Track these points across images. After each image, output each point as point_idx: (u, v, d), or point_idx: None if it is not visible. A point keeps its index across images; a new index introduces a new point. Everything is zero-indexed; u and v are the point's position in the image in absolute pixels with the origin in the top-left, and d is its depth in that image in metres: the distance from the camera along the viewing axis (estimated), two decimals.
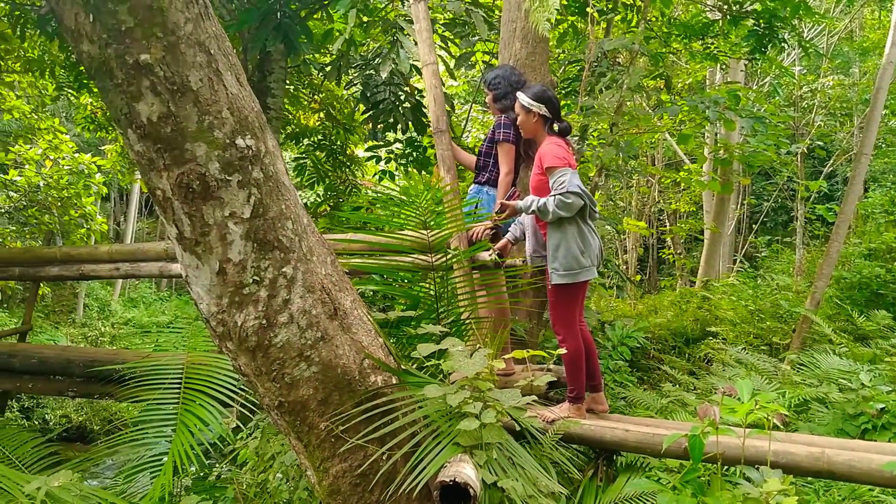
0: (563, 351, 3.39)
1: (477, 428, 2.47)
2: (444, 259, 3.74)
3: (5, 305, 16.34)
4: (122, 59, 2.21)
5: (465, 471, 2.21)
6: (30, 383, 5.63)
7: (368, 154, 10.43)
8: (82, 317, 18.30)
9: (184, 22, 2.25)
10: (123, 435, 4.91)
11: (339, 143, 12.49)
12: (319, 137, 12.35)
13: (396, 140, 9.98)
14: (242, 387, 4.51)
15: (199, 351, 4.74)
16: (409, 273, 3.98)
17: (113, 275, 5.23)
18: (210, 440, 4.47)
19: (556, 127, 3.88)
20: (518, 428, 3.34)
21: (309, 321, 2.63)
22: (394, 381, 2.88)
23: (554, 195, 3.61)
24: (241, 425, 4.45)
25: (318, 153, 12.09)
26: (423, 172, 10.28)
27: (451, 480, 2.15)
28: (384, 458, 2.73)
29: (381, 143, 9.95)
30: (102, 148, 14.53)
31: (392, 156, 10.08)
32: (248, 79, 2.63)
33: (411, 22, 6.18)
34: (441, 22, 8.09)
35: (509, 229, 4.25)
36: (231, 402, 4.47)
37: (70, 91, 11.86)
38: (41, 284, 8.22)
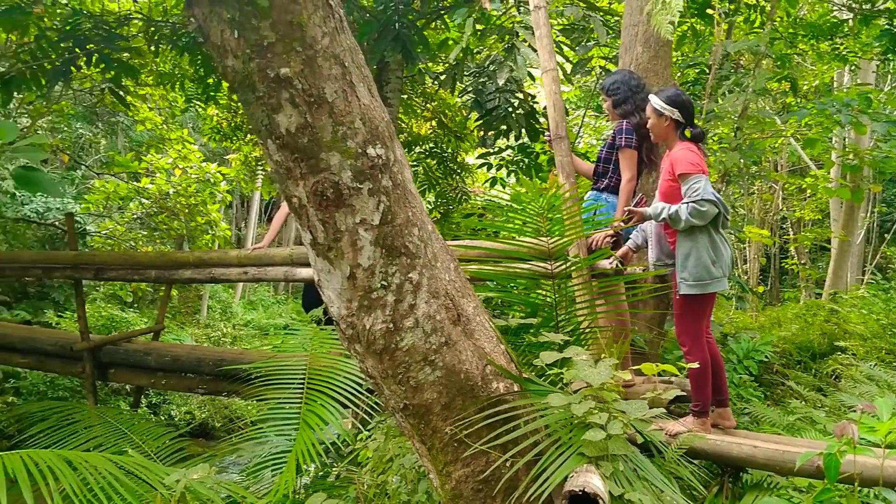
0: (694, 365, 3.29)
1: (603, 439, 2.44)
2: (565, 267, 3.71)
3: (136, 306, 17.35)
4: (264, 72, 2.31)
5: (593, 481, 2.18)
6: (163, 380, 5.99)
7: (479, 161, 10.52)
8: (206, 318, 19.23)
9: (321, 36, 2.34)
10: (246, 433, 5.14)
11: (450, 150, 12.63)
12: (431, 145, 12.54)
13: (508, 147, 10.00)
14: (361, 389, 4.62)
15: (319, 353, 4.89)
16: (525, 280, 3.96)
17: (241, 278, 5.48)
18: (330, 440, 4.60)
19: (688, 132, 3.78)
20: (640, 440, 3.27)
21: (433, 326, 2.66)
22: (515, 389, 2.88)
23: (687, 202, 3.52)
24: (360, 427, 4.55)
25: (429, 161, 12.27)
26: (535, 179, 10.27)
27: (580, 490, 2.13)
28: (507, 465, 2.73)
29: (493, 150, 9.99)
30: (227, 157, 15.24)
31: (503, 163, 10.11)
32: None
33: (527, 28, 6.19)
34: (556, 28, 8.05)
35: (630, 236, 4.17)
36: (349, 404, 4.59)
37: (198, 103, 12.50)
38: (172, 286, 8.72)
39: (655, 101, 3.78)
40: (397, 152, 2.62)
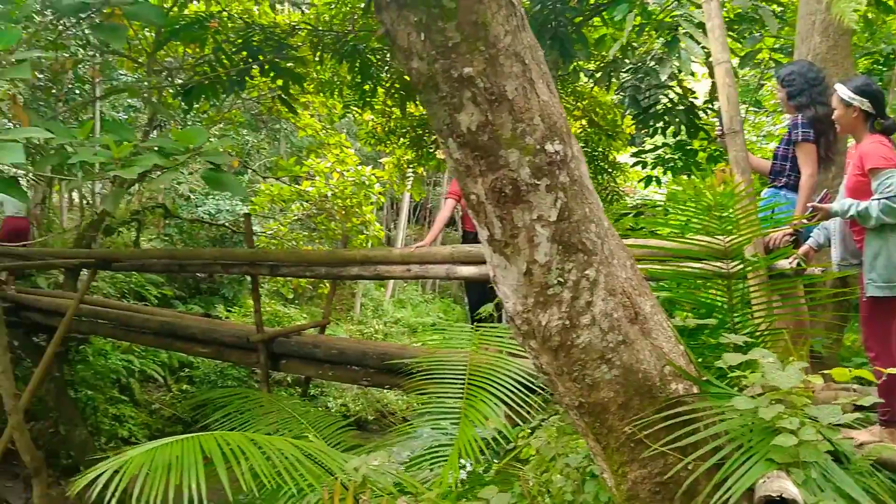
0: (893, 370, 3.08)
1: (794, 445, 2.32)
2: (742, 266, 3.57)
3: (296, 302, 18.30)
4: (448, 73, 2.38)
5: (789, 487, 2.08)
6: (330, 371, 6.28)
7: (634, 160, 10.31)
8: (359, 315, 19.99)
9: (503, 34, 2.37)
10: (407, 426, 5.27)
11: (601, 149, 12.45)
12: (581, 144, 12.36)
13: (665, 144, 9.75)
14: (520, 388, 4.65)
15: (481, 351, 4.95)
16: (697, 280, 3.83)
17: (405, 276, 5.67)
18: (490, 437, 4.66)
19: (878, 124, 3.53)
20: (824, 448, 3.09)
21: (610, 324, 2.63)
22: (694, 391, 2.79)
23: (879, 198, 3.30)
24: (521, 424, 4.57)
25: None
26: (693, 177, 9.96)
27: (777, 496, 2.04)
28: (686, 468, 2.66)
29: (649, 148, 9.77)
30: (381, 161, 15.76)
31: (659, 161, 9.87)
32: None
33: (689, 21, 5.99)
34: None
35: (811, 235, 3.96)
36: (511, 402, 4.63)
37: (355, 109, 12.99)
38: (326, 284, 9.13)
39: (843, 90, 3.55)
40: (574, 148, 2.62)
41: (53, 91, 11.97)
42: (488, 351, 4.98)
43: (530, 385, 4.57)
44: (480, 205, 2.57)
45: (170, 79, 9.89)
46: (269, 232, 14.86)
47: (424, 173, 15.40)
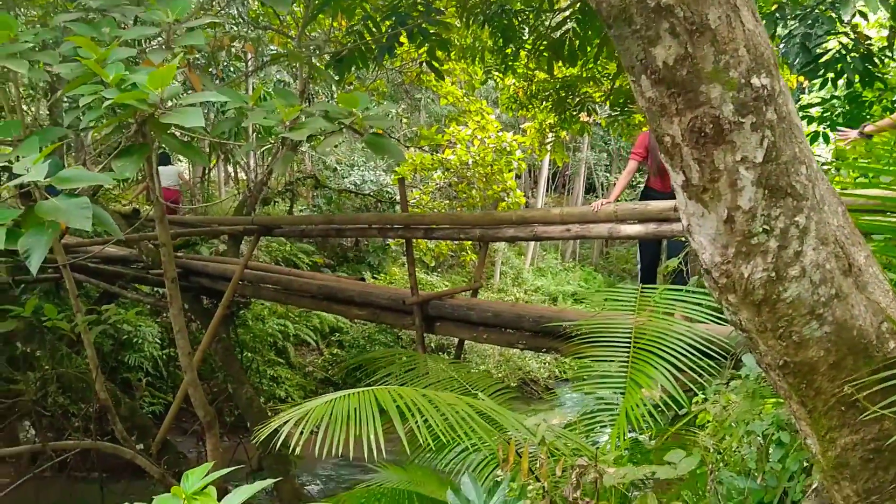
0: None
1: None
2: None
3: (438, 270, 18.54)
4: (643, 3, 2.20)
5: None
6: (484, 334, 6.25)
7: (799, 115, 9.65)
8: (499, 282, 20.01)
9: None
10: (547, 395, 5.13)
11: None
12: None
13: (833, 97, 9.05)
14: (694, 353, 4.42)
15: (647, 314, 4.74)
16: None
17: (564, 235, 5.51)
18: (659, 402, 4.47)
19: None
20: None
21: (822, 276, 2.39)
22: None
23: None
24: (693, 389, 4.35)
25: None
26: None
27: None
28: None
29: (816, 101, 9.11)
30: (522, 126, 15.58)
31: (828, 115, 9.18)
32: None
33: None
34: None
35: None
36: (682, 367, 4.42)
37: (496, 74, 12.84)
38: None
39: None
40: (781, 83, 2.37)
41: (210, 69, 12.60)
42: (657, 314, 4.76)
43: (705, 350, 4.34)
44: (676, 147, 2.38)
45: (317, 51, 10.15)
46: (413, 201, 15.06)
47: (567, 137, 15.06)
